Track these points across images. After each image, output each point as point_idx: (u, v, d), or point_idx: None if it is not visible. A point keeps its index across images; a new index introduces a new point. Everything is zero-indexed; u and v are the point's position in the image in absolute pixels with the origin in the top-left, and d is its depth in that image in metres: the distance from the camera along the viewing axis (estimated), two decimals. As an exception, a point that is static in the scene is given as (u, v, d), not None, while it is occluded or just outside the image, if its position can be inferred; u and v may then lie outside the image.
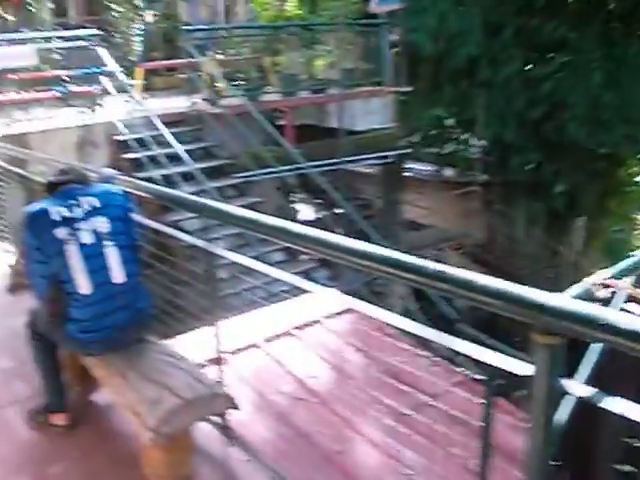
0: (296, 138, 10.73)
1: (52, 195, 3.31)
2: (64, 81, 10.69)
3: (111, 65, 9.85)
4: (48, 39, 10.32)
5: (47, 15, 17.41)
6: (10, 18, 14.20)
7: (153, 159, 8.81)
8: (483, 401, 1.92)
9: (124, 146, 9.28)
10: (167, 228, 3.58)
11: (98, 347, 3.23)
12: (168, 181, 8.57)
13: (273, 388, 3.85)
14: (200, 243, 3.12)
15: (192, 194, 8.09)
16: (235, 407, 2.99)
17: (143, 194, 3.60)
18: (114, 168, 9.15)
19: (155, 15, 16.57)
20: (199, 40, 11.14)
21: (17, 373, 4.22)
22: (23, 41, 9.62)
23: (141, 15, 14.33)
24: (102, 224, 3.21)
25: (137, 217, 3.51)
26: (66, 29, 16.01)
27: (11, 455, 3.47)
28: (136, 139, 9.05)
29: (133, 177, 8.82)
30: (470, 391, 3.44)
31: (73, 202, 3.22)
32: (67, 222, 3.15)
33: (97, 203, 3.26)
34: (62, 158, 8.95)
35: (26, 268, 3.34)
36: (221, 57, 12.29)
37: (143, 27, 14.53)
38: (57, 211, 3.17)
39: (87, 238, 3.16)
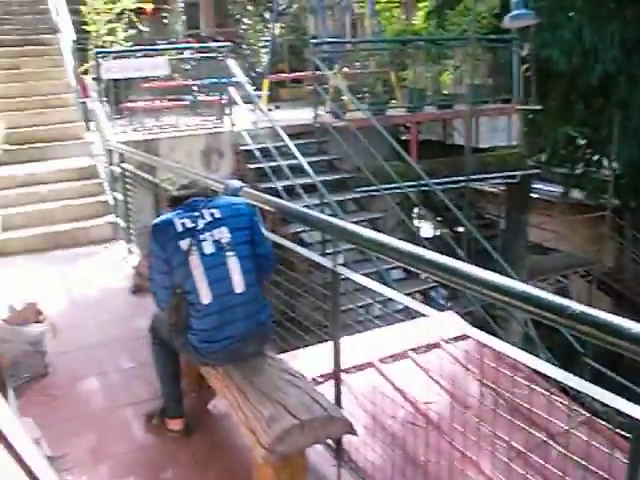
0: (419, 154, 10.58)
1: (176, 208, 3.36)
2: (194, 90, 11.07)
3: (239, 76, 10.06)
4: (180, 50, 10.68)
5: (180, 27, 18.16)
6: (144, 29, 14.86)
7: (276, 170, 8.89)
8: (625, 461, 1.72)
9: (249, 156, 9.43)
10: (288, 242, 3.53)
11: (216, 357, 3.23)
12: (290, 192, 8.63)
13: (387, 411, 3.72)
14: (320, 259, 3.05)
15: (314, 206, 8.23)
16: (353, 432, 2.89)
17: (266, 207, 3.59)
18: (238, 177, 9.45)
19: (283, 28, 16.91)
20: (325, 53, 11.24)
21: (137, 375, 4.32)
22: (157, 52, 9.99)
23: (269, 27, 14.61)
24: (223, 234, 3.22)
25: (260, 229, 3.50)
26: (197, 40, 16.66)
27: (125, 455, 3.54)
28: (260, 149, 9.18)
29: (256, 187, 9.11)
30: (595, 432, 3.20)
31: (196, 214, 3.25)
32: (190, 233, 3.19)
33: (219, 214, 3.27)
34: (188, 165, 9.29)
35: (149, 278, 3.39)
36: (347, 70, 12.33)
37: (271, 39, 14.80)
38: (181, 223, 3.21)
39: (209, 248, 3.17)
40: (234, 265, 3.19)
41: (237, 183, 3.93)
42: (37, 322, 4.47)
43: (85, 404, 4.07)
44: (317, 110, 10.23)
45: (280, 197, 8.55)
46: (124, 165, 7.10)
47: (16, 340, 4.20)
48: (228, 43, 10.57)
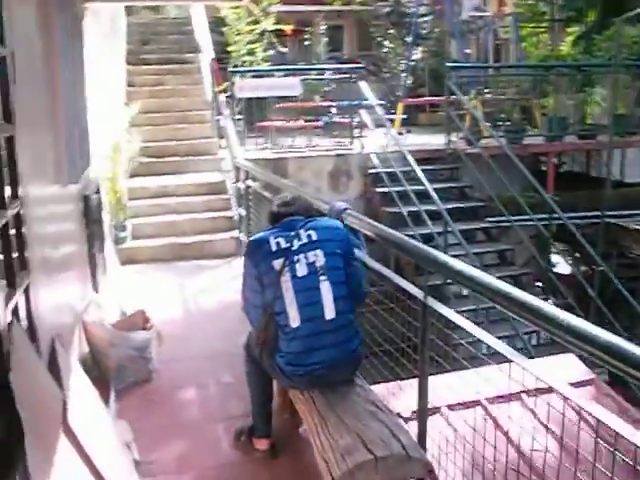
0: (559, 185, 10.09)
1: (274, 225, 3.33)
2: (328, 112, 11.17)
3: (372, 99, 10.06)
4: (318, 71, 10.82)
5: (322, 49, 18.46)
6: (284, 50, 15.23)
7: (403, 195, 8.76)
8: None
9: (376, 179, 9.38)
10: (384, 269, 3.39)
11: (302, 381, 3.16)
12: (416, 218, 8.46)
13: (487, 454, 3.48)
14: (411, 288, 2.90)
15: (438, 234, 8.03)
16: (433, 476, 2.71)
17: (367, 232, 3.48)
18: (365, 200, 9.40)
19: (424, 52, 16.78)
20: (464, 78, 11.02)
21: (234, 390, 4.32)
22: (292, 72, 10.18)
23: (410, 51, 14.53)
24: (318, 258, 3.14)
25: (359, 255, 3.39)
26: (339, 62, 16.88)
27: (209, 470, 3.53)
28: (389, 173, 9.09)
29: (382, 211, 9.02)
30: None
31: (292, 234, 3.20)
32: (284, 253, 3.13)
33: (316, 236, 3.20)
34: (315, 185, 9.37)
35: (242, 295, 3.38)
36: (485, 96, 12.02)
37: (410, 63, 14.71)
38: (276, 242, 3.17)
39: (302, 271, 3.11)
40: (326, 290, 3.11)
41: (342, 205, 3.85)
42: (144, 329, 4.60)
43: (180, 413, 4.13)
44: (450, 136, 10.03)
45: (405, 222, 8.43)
46: (249, 183, 7.24)
47: (123, 345, 4.33)
48: (361, 65, 10.60)
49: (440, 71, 15.72)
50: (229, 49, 12.99)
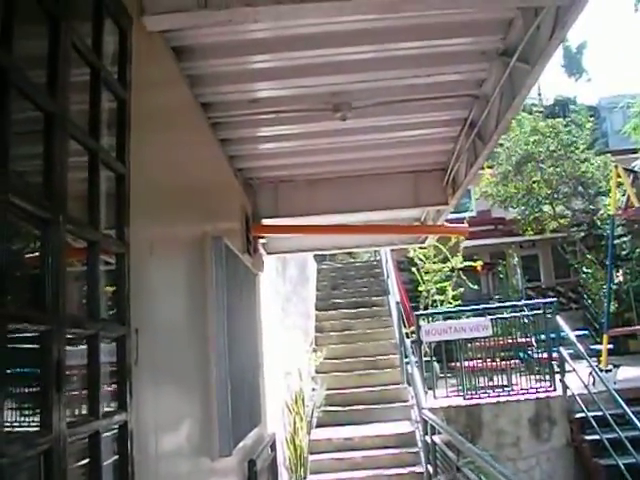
0: None
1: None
2: (524, 350, 10.35)
3: (570, 334, 9.25)
4: (506, 309, 10.27)
5: (518, 280, 17.95)
6: (474, 287, 14.87)
7: (616, 443, 7.54)
8: None
9: (585, 424, 8.27)
10: None
11: None
12: (634, 472, 7.17)
13: None
14: None
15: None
16: None
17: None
18: (573, 449, 8.23)
19: (626, 273, 15.70)
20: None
21: None
22: (480, 311, 9.71)
23: (611, 275, 13.57)
24: None
25: None
26: (538, 293, 16.19)
27: None
28: (596, 417, 7.97)
29: (595, 463, 7.79)
30: None
31: None
32: None
33: None
34: (514, 433, 8.41)
35: None
36: None
37: (613, 287, 13.68)
38: None
39: None
40: None
41: None
42: None
43: None
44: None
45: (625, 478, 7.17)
46: (435, 438, 6.57)
47: None
48: (554, 300, 9.92)
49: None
50: (420, 288, 12.94)
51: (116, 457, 2.14)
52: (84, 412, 1.95)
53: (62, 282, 1.71)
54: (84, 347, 1.96)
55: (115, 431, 2.12)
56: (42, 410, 1.61)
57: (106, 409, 2.05)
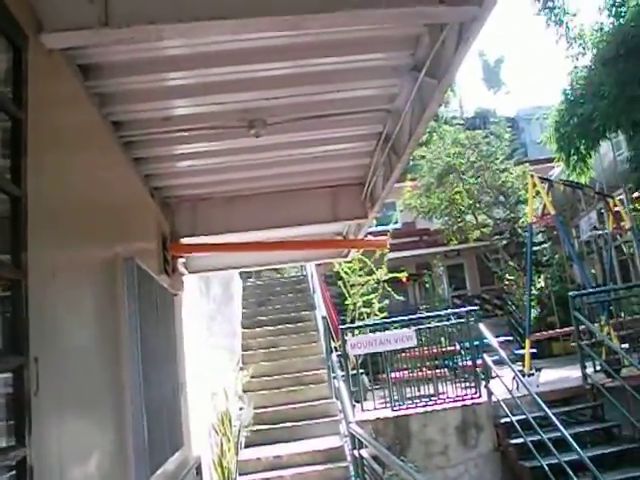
0: None
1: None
2: (449, 358, 10.51)
3: (492, 341, 9.45)
4: (431, 319, 10.42)
5: (444, 290, 18.29)
6: (400, 298, 15.08)
7: (540, 444, 7.71)
8: None
9: (510, 429, 8.43)
10: None
11: None
12: (561, 473, 7.31)
13: None
14: None
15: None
16: None
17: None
18: (500, 454, 8.36)
19: (547, 278, 16.20)
20: (593, 303, 10.31)
21: None
22: (408, 322, 9.81)
23: (533, 281, 13.96)
24: None
25: None
26: (464, 301, 16.51)
27: None
28: (522, 421, 8.14)
29: (519, 466, 7.94)
30: None
31: None
32: None
33: None
34: (442, 442, 8.50)
35: None
36: (618, 319, 11.07)
37: (534, 292, 14.08)
38: None
39: None
40: None
41: None
42: None
43: None
44: (585, 369, 9.10)
45: (548, 478, 7.33)
46: (362, 452, 6.56)
47: None
48: (476, 308, 10.12)
49: (567, 297, 15.01)
50: (347, 302, 12.98)
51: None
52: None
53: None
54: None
55: (12, 470, 2.01)
56: None
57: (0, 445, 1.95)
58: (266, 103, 4.33)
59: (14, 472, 2.01)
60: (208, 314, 8.83)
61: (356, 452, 7.05)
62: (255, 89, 4.09)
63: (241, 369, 10.21)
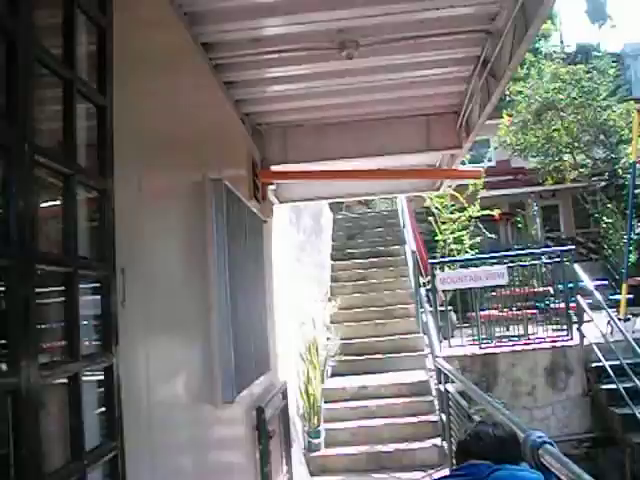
0: None
1: (458, 466, 2.62)
2: (541, 299, 10.20)
3: (588, 282, 9.08)
4: (524, 257, 10.11)
5: (537, 230, 17.69)
6: (492, 236, 14.69)
7: (633, 392, 7.43)
8: None
9: (601, 374, 8.17)
10: None
11: None
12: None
13: None
14: None
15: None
16: None
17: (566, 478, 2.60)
18: (590, 399, 8.13)
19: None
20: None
21: None
22: (497, 259, 9.53)
23: (631, 224, 13.26)
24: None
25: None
26: (558, 243, 15.92)
27: None
28: (613, 366, 7.85)
29: (610, 412, 7.70)
30: None
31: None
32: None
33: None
34: (530, 382, 8.34)
35: None
36: None
37: (633, 236, 13.38)
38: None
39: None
40: None
41: (539, 436, 2.96)
42: None
43: None
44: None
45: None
46: (448, 386, 6.51)
47: None
48: (572, 247, 9.72)
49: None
50: (437, 238, 12.79)
51: (101, 403, 2.05)
52: (61, 354, 1.86)
53: (28, 215, 1.59)
54: (61, 286, 1.86)
55: (100, 376, 2.03)
56: (9, 350, 1.52)
57: (87, 352, 1.96)
58: (359, 22, 4.14)
59: (102, 379, 2.03)
60: (298, 244, 8.86)
61: (442, 386, 7.01)
62: (348, 7, 3.90)
63: (329, 300, 10.28)
